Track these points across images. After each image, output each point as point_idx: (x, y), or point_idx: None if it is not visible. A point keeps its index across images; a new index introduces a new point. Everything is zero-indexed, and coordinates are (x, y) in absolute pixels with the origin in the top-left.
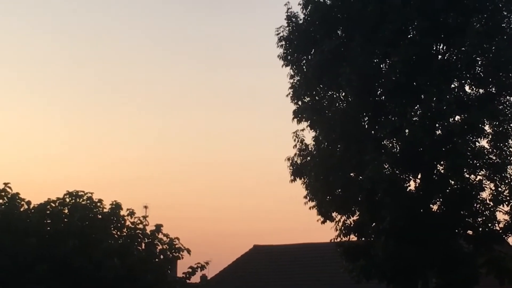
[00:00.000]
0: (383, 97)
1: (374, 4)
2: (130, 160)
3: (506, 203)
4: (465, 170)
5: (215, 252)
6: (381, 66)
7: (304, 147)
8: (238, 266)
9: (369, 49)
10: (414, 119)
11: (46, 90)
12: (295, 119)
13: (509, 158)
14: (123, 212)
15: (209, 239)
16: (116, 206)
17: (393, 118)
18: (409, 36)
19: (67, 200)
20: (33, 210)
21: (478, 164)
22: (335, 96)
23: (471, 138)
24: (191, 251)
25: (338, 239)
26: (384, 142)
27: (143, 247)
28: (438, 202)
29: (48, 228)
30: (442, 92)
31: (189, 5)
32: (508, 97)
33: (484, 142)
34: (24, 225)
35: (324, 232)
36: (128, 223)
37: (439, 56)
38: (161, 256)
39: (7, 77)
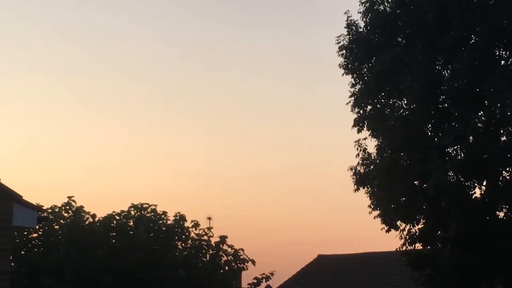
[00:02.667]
0: (446, 104)
1: (434, 11)
2: (193, 171)
3: None
4: None
5: (279, 262)
6: (443, 73)
7: (366, 156)
8: (303, 276)
9: (430, 56)
10: (478, 125)
11: (108, 101)
12: (355, 128)
13: None
14: (187, 224)
15: (273, 249)
16: (180, 218)
17: (456, 125)
18: (471, 42)
19: (132, 212)
20: (98, 223)
21: None
22: (397, 104)
23: None
24: (256, 261)
25: (404, 248)
26: (448, 149)
27: (208, 258)
28: (504, 209)
29: (113, 241)
30: (506, 98)
31: (248, 16)
32: None
33: None
34: (90, 238)
35: (389, 241)
36: (192, 234)
37: (502, 62)
38: (226, 268)
39: (70, 89)
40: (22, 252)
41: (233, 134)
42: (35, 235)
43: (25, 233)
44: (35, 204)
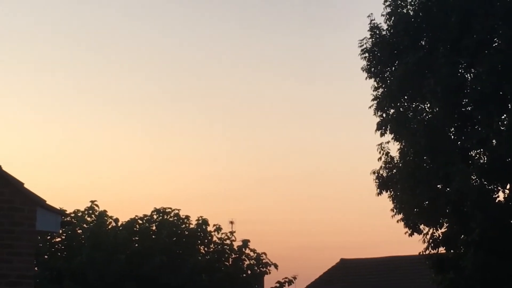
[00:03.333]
0: (469, 107)
1: (457, 14)
2: (215, 175)
3: None
4: None
5: (302, 266)
6: (466, 76)
7: (389, 160)
8: (325, 280)
9: (453, 59)
10: (501, 129)
11: (129, 106)
12: (378, 131)
13: None
14: (210, 228)
15: (295, 253)
16: (203, 222)
17: (479, 129)
18: (493, 45)
19: (155, 217)
20: (121, 228)
21: None
22: (420, 107)
23: None
24: (278, 265)
25: (427, 252)
26: (471, 153)
27: (231, 262)
28: None
29: (136, 245)
30: None
31: (279, 19)
32: None
33: None
34: (113, 242)
35: (412, 244)
36: (215, 238)
37: None
38: (249, 272)
39: (94, 94)
40: (46, 257)
41: (256, 138)
42: (58, 239)
43: (49, 237)
44: (59, 208)
